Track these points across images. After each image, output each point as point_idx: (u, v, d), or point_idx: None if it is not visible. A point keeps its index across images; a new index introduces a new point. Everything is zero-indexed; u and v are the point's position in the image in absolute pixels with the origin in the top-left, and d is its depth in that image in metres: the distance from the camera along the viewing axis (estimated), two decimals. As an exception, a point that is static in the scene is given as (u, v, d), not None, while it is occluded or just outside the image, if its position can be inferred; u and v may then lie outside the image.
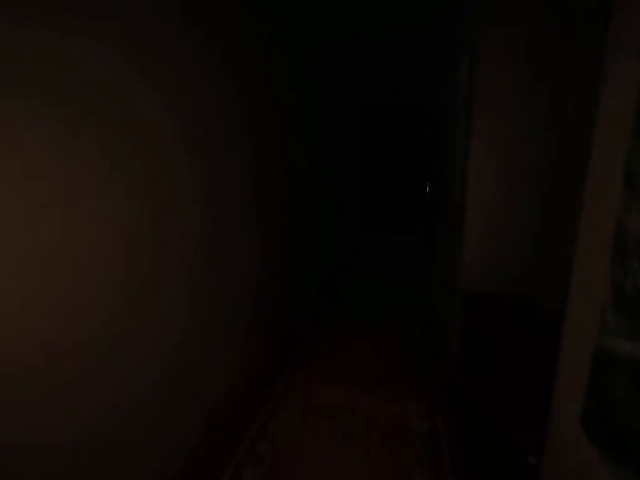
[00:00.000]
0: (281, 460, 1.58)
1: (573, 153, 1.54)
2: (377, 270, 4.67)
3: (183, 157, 1.31)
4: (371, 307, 3.39)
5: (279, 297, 2.37)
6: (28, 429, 0.80)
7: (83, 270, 0.92)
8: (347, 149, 4.67)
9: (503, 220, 1.87)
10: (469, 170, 1.87)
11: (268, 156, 2.09)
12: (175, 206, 1.26)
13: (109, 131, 0.99)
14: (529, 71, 1.70)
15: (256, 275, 1.98)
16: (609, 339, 0.58)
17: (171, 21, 1.22)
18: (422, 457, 1.62)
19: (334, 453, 1.62)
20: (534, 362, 1.39)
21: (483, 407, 1.51)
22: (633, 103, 0.56)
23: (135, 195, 1.08)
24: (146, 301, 1.15)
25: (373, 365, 2.36)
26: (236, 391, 1.79)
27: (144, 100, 1.12)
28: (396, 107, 6.50)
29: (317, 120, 3.16)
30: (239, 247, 1.76)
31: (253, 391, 1.95)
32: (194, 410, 1.43)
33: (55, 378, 0.86)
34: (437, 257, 3.51)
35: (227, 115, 1.63)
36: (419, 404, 1.98)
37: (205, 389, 1.51)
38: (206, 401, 1.52)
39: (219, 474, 1.49)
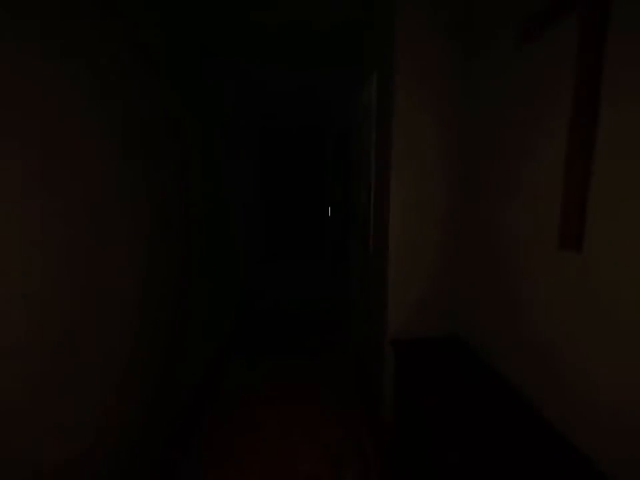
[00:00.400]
0: None
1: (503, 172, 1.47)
2: (286, 303, 4.27)
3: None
4: (283, 356, 2.93)
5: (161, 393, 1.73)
6: None
7: None
8: (247, 176, 4.24)
9: (432, 261, 1.72)
10: (391, 203, 1.67)
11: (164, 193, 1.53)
12: None
13: None
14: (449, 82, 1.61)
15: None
16: None
17: None
18: None
19: None
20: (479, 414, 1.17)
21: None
22: None
23: None
24: None
25: (294, 455, 1.82)
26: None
27: None
28: (294, 130, 6.40)
29: (214, 149, 2.68)
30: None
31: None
32: None
33: None
34: (355, 293, 3.32)
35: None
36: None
37: None
38: None
39: None
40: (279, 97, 4.32)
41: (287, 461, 1.74)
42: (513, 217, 1.31)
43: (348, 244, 3.37)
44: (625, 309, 0.86)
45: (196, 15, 2.28)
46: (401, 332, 1.76)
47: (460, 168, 1.67)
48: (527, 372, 1.24)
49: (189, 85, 2.17)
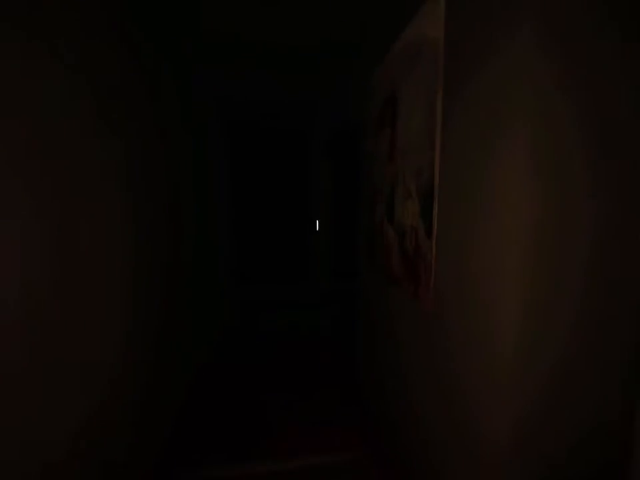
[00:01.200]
0: None
1: None
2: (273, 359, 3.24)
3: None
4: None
5: None
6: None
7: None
8: (220, 182, 3.26)
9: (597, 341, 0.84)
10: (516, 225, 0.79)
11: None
12: None
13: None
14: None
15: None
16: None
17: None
18: None
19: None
20: None
21: None
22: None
23: None
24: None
25: None
26: None
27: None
28: (275, 131, 5.48)
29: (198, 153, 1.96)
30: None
31: None
32: None
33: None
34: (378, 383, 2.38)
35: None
36: None
37: None
38: None
39: None
40: (260, 99, 3.44)
41: None
42: None
43: (361, 287, 2.39)
44: None
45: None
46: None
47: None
48: None
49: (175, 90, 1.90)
